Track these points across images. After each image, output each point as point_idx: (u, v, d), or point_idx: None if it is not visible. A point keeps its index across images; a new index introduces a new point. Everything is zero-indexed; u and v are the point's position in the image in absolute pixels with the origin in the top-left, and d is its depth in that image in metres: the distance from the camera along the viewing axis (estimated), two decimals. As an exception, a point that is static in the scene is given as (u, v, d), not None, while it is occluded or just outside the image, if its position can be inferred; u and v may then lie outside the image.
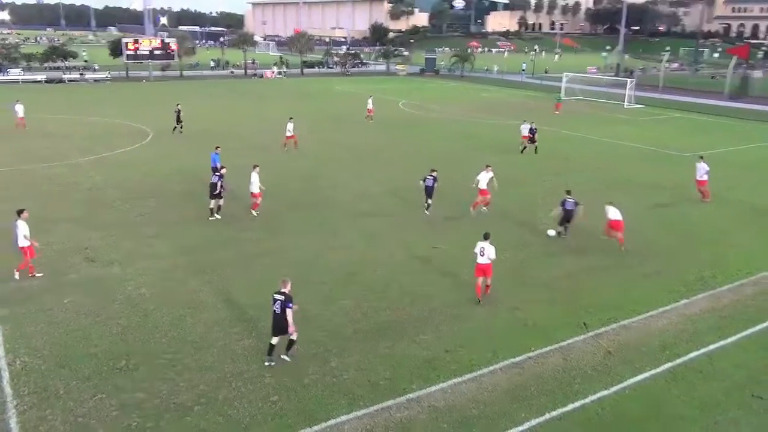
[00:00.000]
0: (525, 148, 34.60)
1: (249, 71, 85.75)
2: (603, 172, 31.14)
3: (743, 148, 39.06)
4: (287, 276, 13.47)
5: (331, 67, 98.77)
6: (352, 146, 35.85)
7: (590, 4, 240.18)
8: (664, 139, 40.99)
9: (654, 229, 22.18)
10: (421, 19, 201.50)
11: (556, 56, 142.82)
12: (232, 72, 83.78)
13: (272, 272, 17.47)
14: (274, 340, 12.90)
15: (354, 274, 17.49)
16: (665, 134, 43.49)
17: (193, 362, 13.01)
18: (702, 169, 26.10)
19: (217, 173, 22.26)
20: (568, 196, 20.75)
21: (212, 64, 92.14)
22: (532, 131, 34.95)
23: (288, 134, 33.67)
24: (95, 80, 72.22)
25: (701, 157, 26.96)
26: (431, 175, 22.71)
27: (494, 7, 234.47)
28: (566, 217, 20.68)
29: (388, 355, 13.43)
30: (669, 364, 13.35)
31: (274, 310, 12.78)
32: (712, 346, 14.14)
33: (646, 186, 28.45)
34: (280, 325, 12.78)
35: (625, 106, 58.10)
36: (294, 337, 12.96)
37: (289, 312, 12.63)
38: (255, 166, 22.58)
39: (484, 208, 23.27)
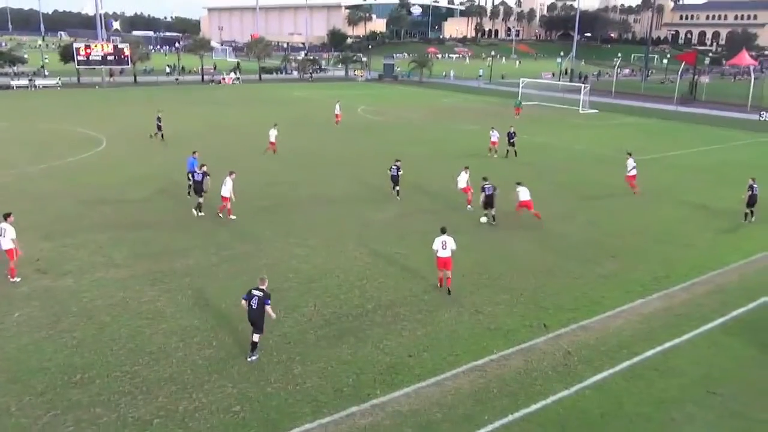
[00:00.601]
0: (497, 151, 35.65)
1: (206, 77, 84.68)
2: (562, 174, 31.73)
3: (693, 151, 40.33)
4: (258, 277, 13.77)
5: (290, 73, 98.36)
6: (313, 151, 35.71)
7: (545, 12, 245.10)
8: (618, 143, 41.97)
9: (609, 232, 22.68)
10: (379, 25, 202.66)
11: (517, 63, 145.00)
12: (177, 80, 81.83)
13: (234, 280, 17.28)
14: (256, 337, 13.27)
15: (316, 280, 17.40)
16: (619, 138, 44.55)
17: (151, 374, 12.74)
18: (630, 165, 28.22)
19: (201, 171, 23.06)
20: (486, 182, 22.76)
21: (168, 70, 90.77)
22: (510, 135, 35.93)
23: (271, 140, 33.94)
24: (45, 86, 70.30)
25: (629, 154, 28.93)
26: (395, 165, 25.63)
27: (451, 13, 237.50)
28: (488, 202, 22.64)
29: (351, 362, 13.39)
30: (627, 363, 13.65)
31: (251, 305, 13.11)
32: (667, 344, 14.52)
33: (602, 188, 29.08)
34: (253, 320, 13.16)
35: (580, 111, 59.39)
36: (257, 339, 13.29)
37: (268, 308, 13.14)
38: (231, 173, 22.75)
39: (469, 206, 24.60)
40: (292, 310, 15.63)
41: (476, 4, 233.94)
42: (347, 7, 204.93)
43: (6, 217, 17.06)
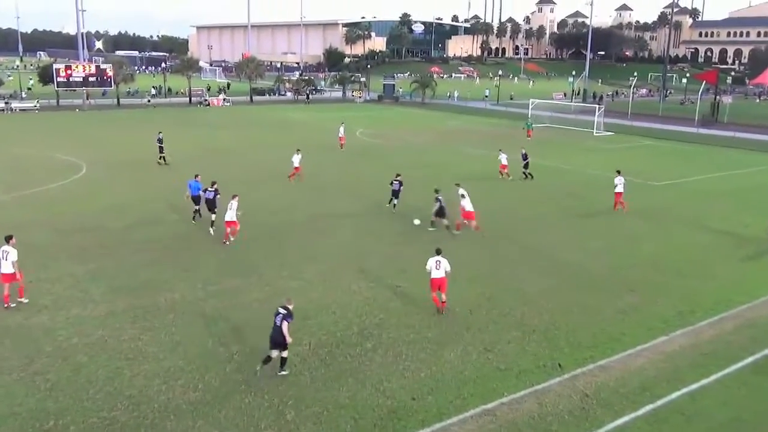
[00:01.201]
0: (509, 174, 36.58)
1: (194, 98, 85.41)
2: (573, 199, 31.76)
3: (715, 175, 40.44)
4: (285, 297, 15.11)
5: (283, 95, 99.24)
6: (310, 176, 35.76)
7: (555, 29, 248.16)
8: (635, 167, 42.10)
9: (626, 262, 22.62)
10: (378, 43, 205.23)
11: (531, 83, 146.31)
12: (148, 101, 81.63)
13: (222, 316, 17.17)
14: (273, 353, 14.05)
15: (311, 316, 17.29)
16: (636, 162, 44.69)
17: (131, 420, 12.57)
18: (617, 182, 29.86)
19: (212, 188, 25.08)
20: (437, 194, 25.49)
21: (153, 91, 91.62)
22: (524, 157, 37.10)
23: (295, 165, 34.63)
24: (22, 110, 70.86)
25: (618, 172, 30.43)
26: (397, 180, 28.35)
27: (455, 31, 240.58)
28: (440, 213, 25.18)
29: (349, 405, 13.23)
30: (650, 406, 13.47)
31: (275, 323, 14.04)
32: (693, 386, 14.34)
33: (617, 215, 29.08)
34: (277, 339, 13.98)
35: (594, 134, 59.73)
36: (285, 354, 14.14)
37: (284, 326, 13.86)
38: (234, 196, 23.69)
39: (459, 225, 25.78)
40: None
41: (482, 21, 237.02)
42: (344, 25, 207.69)
43: (8, 239, 17.64)
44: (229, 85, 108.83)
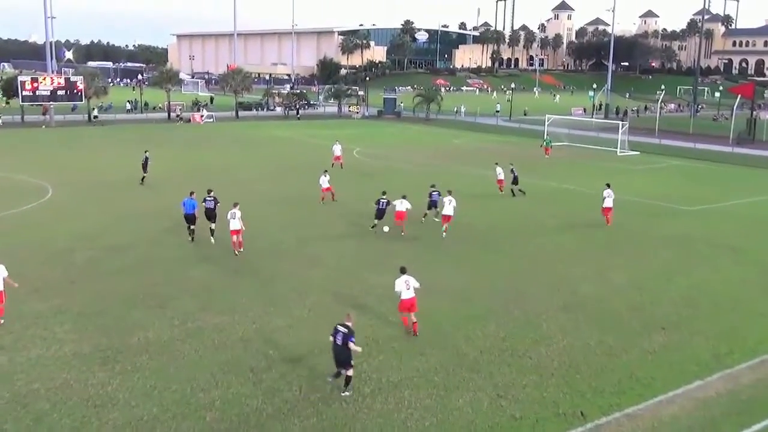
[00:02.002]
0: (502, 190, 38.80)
1: (173, 114, 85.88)
2: (595, 228, 31.79)
3: (754, 200, 40.48)
4: (345, 313, 17.16)
5: (272, 110, 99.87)
6: (302, 199, 35.85)
7: (573, 37, 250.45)
8: (665, 191, 42.22)
9: (655, 296, 22.55)
10: (378, 53, 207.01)
11: (556, 97, 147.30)
12: (96, 117, 79.91)
13: (202, 358, 17.06)
14: (350, 372, 15.32)
15: (302, 358, 17.17)
16: (665, 185, 44.84)
17: (98, 476, 12.41)
18: (608, 195, 32.15)
19: (210, 196, 27.51)
20: (383, 197, 29.40)
21: (128, 106, 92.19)
22: (513, 173, 38.70)
23: (324, 186, 35.69)
24: (-18, 126, 71.23)
25: (608, 185, 32.72)
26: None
27: (463, 40, 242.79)
28: (378, 216, 29.28)
29: (344, 460, 13.08)
30: (684, 460, 13.32)
31: (336, 342, 15.29)
32: (733, 437, 14.21)
33: (644, 243, 29.08)
34: (340, 358, 15.32)
35: (618, 154, 59.98)
36: (351, 373, 15.36)
37: (351, 345, 15.19)
38: (236, 204, 26.06)
39: (444, 233, 29.19)
40: (271, 395, 15.36)
41: (492, 29, 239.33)
42: (341, 33, 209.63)
43: None
44: (212, 99, 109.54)
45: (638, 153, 60.87)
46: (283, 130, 74.64)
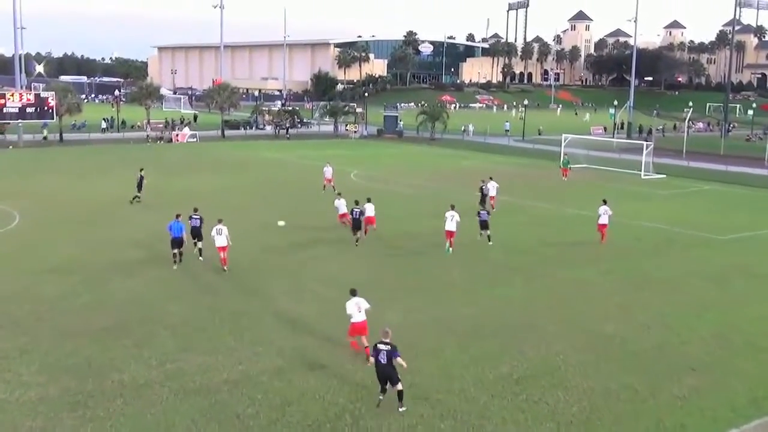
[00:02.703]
0: (494, 207, 41.20)
1: (153, 134, 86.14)
2: (617, 259, 31.77)
3: (793, 228, 40.46)
4: (381, 330, 18.09)
5: (262, 128, 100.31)
6: (293, 227, 35.86)
7: (591, 50, 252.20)
8: (694, 218, 42.23)
9: (684, 335, 22.46)
10: (378, 66, 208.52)
11: (587, 116, 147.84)
12: (44, 138, 79.73)
13: (183, 402, 16.95)
14: (399, 386, 16.50)
15: (292, 403, 17.08)
16: (695, 211, 44.87)
17: None
18: (603, 212, 34.33)
19: (196, 215, 29.53)
20: (356, 206, 33.00)
21: (104, 125, 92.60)
22: (482, 191, 41.95)
23: (341, 212, 36.22)
24: (-57, 146, 71.49)
25: (604, 201, 34.87)
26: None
27: (471, 52, 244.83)
28: (356, 226, 32.51)
29: None
30: None
31: (380, 360, 16.52)
32: (773, 492, 14.08)
33: (672, 276, 29.04)
34: (387, 376, 16.53)
35: (642, 177, 60.10)
36: (401, 387, 16.55)
37: (399, 360, 16.58)
38: (220, 220, 28.49)
39: (450, 249, 31.56)
40: (259, 444, 15.25)
41: (503, 40, 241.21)
42: (337, 45, 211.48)
43: None
44: (196, 116, 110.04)
45: (664, 176, 61.01)
46: (273, 151, 74.89)
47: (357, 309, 19.46)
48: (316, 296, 25.51)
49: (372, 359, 16.99)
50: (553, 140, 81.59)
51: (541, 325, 22.94)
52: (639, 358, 20.50)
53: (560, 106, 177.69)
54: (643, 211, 44.44)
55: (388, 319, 22.81)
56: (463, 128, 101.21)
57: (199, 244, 29.14)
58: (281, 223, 32.02)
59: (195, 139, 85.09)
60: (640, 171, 61.13)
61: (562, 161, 60.52)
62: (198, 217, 29.56)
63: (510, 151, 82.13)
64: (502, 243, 34.33)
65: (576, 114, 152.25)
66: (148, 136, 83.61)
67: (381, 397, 16.78)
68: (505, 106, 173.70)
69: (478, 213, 34.24)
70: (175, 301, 24.48)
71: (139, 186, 42.33)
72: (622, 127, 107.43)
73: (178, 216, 28.84)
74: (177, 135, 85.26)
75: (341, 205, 36.22)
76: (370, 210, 33.51)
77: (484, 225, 33.65)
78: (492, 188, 42.09)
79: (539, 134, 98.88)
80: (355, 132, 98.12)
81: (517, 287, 27.39)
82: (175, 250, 28.46)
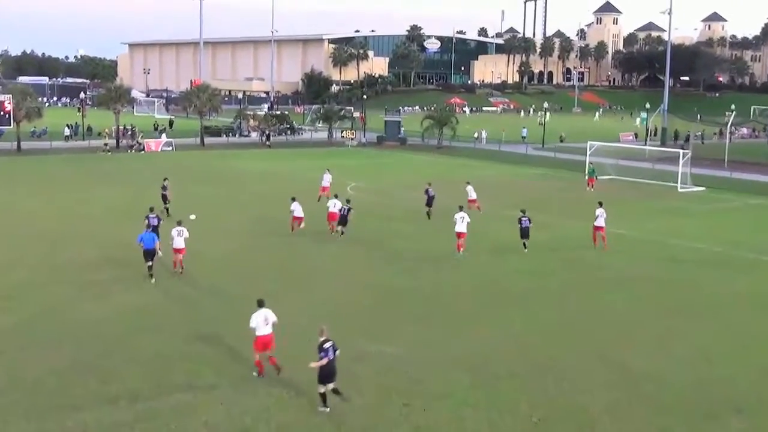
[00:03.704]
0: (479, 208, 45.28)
1: (124, 142, 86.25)
2: (650, 282, 31.71)
3: None
4: (319, 329, 18.99)
5: (246, 135, 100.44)
6: (280, 251, 35.88)
7: (620, 46, 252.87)
8: (737, 236, 42.17)
9: (727, 370, 22.41)
10: (378, 65, 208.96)
11: (640, 121, 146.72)
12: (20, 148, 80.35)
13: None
14: (326, 388, 18.32)
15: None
16: (738, 229, 44.84)
17: None
18: (600, 214, 37.32)
19: (153, 215, 32.83)
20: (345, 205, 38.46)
21: (67, 131, 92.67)
22: (428, 193, 45.14)
23: (331, 211, 39.45)
24: None
25: (600, 203, 37.97)
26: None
27: (484, 49, 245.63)
28: (341, 221, 38.15)
29: None
30: None
31: (329, 357, 18.36)
32: None
33: (719, 307, 28.98)
34: (334, 371, 18.50)
35: (679, 189, 60.08)
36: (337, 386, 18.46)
37: (337, 354, 18.65)
38: (179, 222, 31.15)
39: (459, 252, 34.75)
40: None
41: (520, 36, 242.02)
42: (332, 41, 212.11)
43: None
44: (171, 122, 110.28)
45: (704, 189, 61.01)
46: (259, 162, 74.89)
47: (264, 321, 20.49)
48: (311, 325, 25.35)
49: (324, 360, 18.38)
50: (576, 148, 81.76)
51: (563, 359, 22.87)
52: (676, 397, 20.39)
53: (600, 110, 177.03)
54: (680, 228, 44.38)
55: (391, 353, 22.80)
56: (476, 135, 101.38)
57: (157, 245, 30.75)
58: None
59: (170, 148, 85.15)
60: (676, 183, 61.09)
61: (588, 170, 60.95)
62: (155, 216, 33.12)
63: (528, 160, 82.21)
64: (518, 265, 34.33)
65: (640, 121, 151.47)
66: (105, 144, 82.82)
67: (325, 409, 18.46)
68: (522, 112, 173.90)
69: (519, 220, 36.37)
70: (146, 330, 24.39)
71: (164, 198, 43.62)
72: (655, 134, 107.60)
73: (148, 227, 31.27)
74: (151, 143, 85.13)
75: (332, 205, 39.64)
76: (334, 207, 38.72)
77: (525, 233, 36.13)
78: (470, 191, 46.39)
79: (561, 141, 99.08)
80: (352, 139, 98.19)
81: (536, 316, 27.30)
82: (149, 263, 29.80)
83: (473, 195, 46.27)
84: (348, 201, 39.30)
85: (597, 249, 37.14)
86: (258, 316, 20.59)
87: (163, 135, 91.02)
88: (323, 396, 18.45)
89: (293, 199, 40.03)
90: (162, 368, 21.49)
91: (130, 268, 31.01)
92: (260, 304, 20.91)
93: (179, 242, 30.46)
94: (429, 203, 44.87)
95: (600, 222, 37.37)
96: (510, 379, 21.21)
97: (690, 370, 22.32)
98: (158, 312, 26.54)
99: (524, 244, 36.38)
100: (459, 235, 35.01)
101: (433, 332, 25.03)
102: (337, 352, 18.64)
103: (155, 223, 32.40)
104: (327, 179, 49.96)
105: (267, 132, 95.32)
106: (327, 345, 18.53)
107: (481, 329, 25.57)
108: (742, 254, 37.89)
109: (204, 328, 24.90)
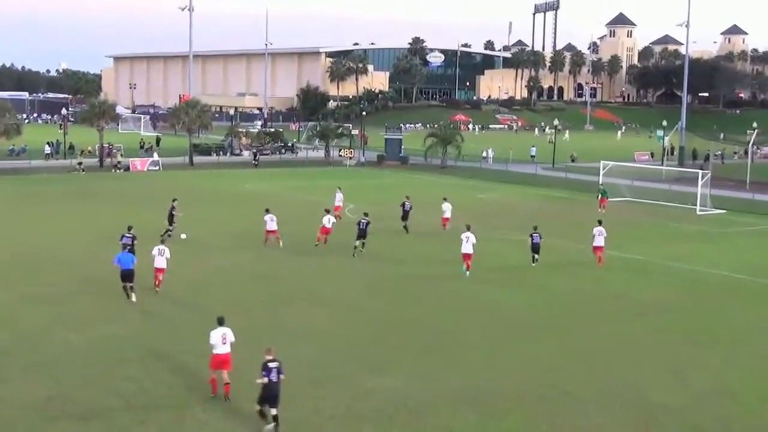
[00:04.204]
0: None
1: (108, 161, 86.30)
2: (679, 316, 31.58)
3: None
4: (265, 349, 19.51)
5: (238, 154, 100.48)
6: (268, 279, 35.80)
7: (635, 60, 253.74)
8: (761, 262, 42.07)
9: (759, 405, 22.29)
10: (378, 80, 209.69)
11: (619, 133, 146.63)
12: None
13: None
14: (273, 411, 18.82)
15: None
16: (761, 254, 44.71)
17: None
18: (599, 234, 39.14)
19: (129, 234, 34.15)
20: (364, 217, 40.98)
21: (47, 150, 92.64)
22: (404, 207, 48.01)
23: (325, 226, 42.23)
24: None
25: (600, 222, 40.28)
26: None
27: (490, 63, 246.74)
28: (359, 236, 40.41)
29: None
30: None
31: (271, 379, 18.90)
32: None
33: (744, 337, 28.85)
34: (276, 394, 18.98)
35: (698, 212, 60.02)
36: (277, 412, 18.94)
37: (281, 378, 19.11)
38: (163, 241, 33.69)
39: (467, 272, 36.11)
40: None
41: (528, 49, 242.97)
42: (329, 55, 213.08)
43: None
44: (159, 140, 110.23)
45: (724, 212, 60.96)
46: (254, 182, 74.79)
47: (222, 340, 21.17)
48: (308, 355, 25.24)
49: (265, 379, 19.00)
50: (588, 168, 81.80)
51: (576, 392, 22.72)
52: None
53: (623, 128, 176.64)
54: (699, 253, 44.27)
55: (390, 386, 22.67)
56: (483, 154, 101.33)
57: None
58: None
59: (157, 168, 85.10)
60: (695, 205, 61.05)
61: (600, 191, 61.56)
62: (131, 236, 34.14)
63: (537, 180, 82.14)
64: (528, 292, 34.21)
65: (619, 136, 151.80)
66: (80, 163, 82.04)
67: (271, 426, 18.88)
68: (537, 130, 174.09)
69: (531, 236, 38.60)
70: (128, 362, 24.19)
71: (171, 219, 43.63)
72: (672, 153, 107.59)
73: (125, 247, 32.38)
74: (136, 162, 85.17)
75: (326, 221, 42.14)
76: (328, 222, 41.95)
77: (535, 248, 38.37)
78: (447, 210, 49.17)
79: (572, 161, 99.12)
80: (350, 158, 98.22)
81: (547, 346, 27.12)
82: (126, 284, 30.69)
83: (448, 214, 48.90)
84: (366, 214, 41.30)
85: (603, 269, 38.57)
86: (216, 334, 21.28)
87: (155, 154, 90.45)
88: (261, 413, 19.12)
89: (267, 211, 42.23)
90: (146, 405, 21.27)
91: (109, 294, 31.10)
92: (220, 322, 21.56)
93: (160, 261, 31.69)
94: (405, 217, 47.77)
95: (599, 242, 39.23)
96: (519, 413, 21.07)
97: (712, 405, 22.17)
98: (140, 341, 26.36)
99: (534, 258, 38.45)
100: (465, 257, 36.31)
101: (435, 363, 24.88)
102: (282, 376, 19.10)
103: (129, 241, 33.55)
104: (339, 198, 53.12)
105: (255, 151, 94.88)
106: (271, 365, 19.09)
107: (486, 360, 25.43)
108: (765, 281, 37.75)
109: (190, 361, 24.76)
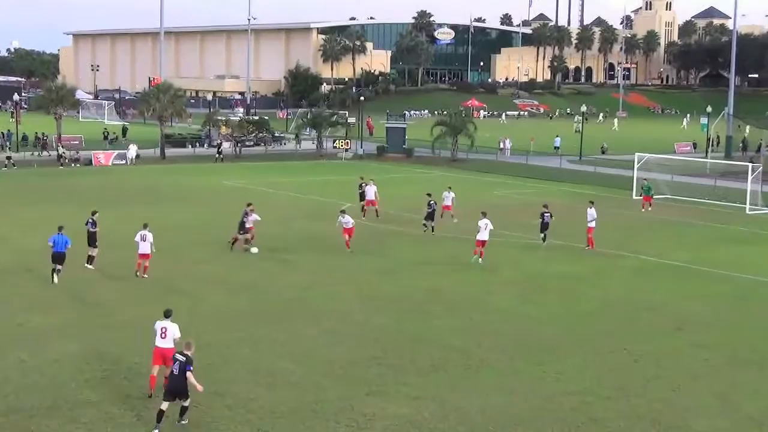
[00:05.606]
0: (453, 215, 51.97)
1: (67, 154, 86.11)
2: (724, 332, 31.54)
3: None
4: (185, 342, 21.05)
5: (217, 145, 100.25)
6: (257, 290, 35.86)
7: (674, 36, 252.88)
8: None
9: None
10: (378, 60, 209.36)
11: (684, 121, 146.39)
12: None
13: None
14: (164, 406, 20.01)
15: None
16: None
17: None
18: (590, 216, 44.23)
19: (93, 218, 36.98)
20: (431, 200, 47.74)
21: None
22: (430, 205, 48.96)
23: (347, 226, 43.51)
24: None
25: (591, 202, 45.06)
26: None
27: (507, 40, 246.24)
28: (429, 216, 47.81)
29: None
30: None
31: (172, 371, 20.25)
32: None
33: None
34: (176, 388, 20.19)
35: (747, 211, 59.96)
36: (187, 404, 20.41)
37: (189, 375, 20.11)
38: (146, 225, 35.26)
39: (480, 259, 39.35)
40: None
41: (552, 24, 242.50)
42: (322, 31, 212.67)
43: None
44: (125, 129, 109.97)
45: (778, 210, 60.95)
46: (236, 177, 74.61)
47: (162, 334, 22.75)
48: (296, 376, 25.30)
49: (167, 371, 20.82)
50: (621, 161, 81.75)
51: (605, 418, 22.74)
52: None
53: (687, 116, 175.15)
54: (749, 258, 44.25)
55: (392, 411, 22.72)
56: (500, 144, 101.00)
57: (94, 252, 36.82)
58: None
59: (124, 161, 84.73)
60: (744, 203, 61.03)
61: (643, 188, 61.02)
62: (93, 220, 37.19)
63: (562, 175, 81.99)
64: (550, 302, 34.24)
65: (685, 125, 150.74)
66: (61, 156, 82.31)
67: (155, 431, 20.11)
68: (577, 117, 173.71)
69: (542, 214, 44.31)
70: (92, 383, 24.24)
71: (241, 226, 42.34)
72: (718, 143, 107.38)
73: (60, 228, 34.50)
74: (99, 155, 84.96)
75: (349, 222, 43.52)
76: (348, 223, 43.11)
77: (545, 227, 44.19)
78: (447, 197, 52.78)
79: (602, 153, 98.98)
80: (346, 150, 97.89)
81: (571, 365, 27.17)
82: (56, 266, 34.05)
83: (449, 201, 52.68)
84: (429, 195, 48.89)
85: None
86: (156, 326, 23.03)
87: (132, 146, 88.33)
88: (159, 413, 20.19)
89: (248, 205, 43.39)
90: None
91: (71, 311, 31.31)
92: (166, 314, 23.25)
93: (144, 247, 34.88)
94: (430, 216, 48.95)
95: (591, 224, 44.68)
96: (541, 443, 21.15)
97: (762, 433, 22.25)
98: (105, 359, 26.42)
99: (543, 237, 44.34)
100: (480, 243, 39.84)
101: (442, 386, 24.91)
102: (188, 373, 20.12)
103: (93, 228, 37.00)
104: (372, 191, 54.80)
105: (217, 143, 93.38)
106: (178, 357, 20.49)
107: (501, 381, 25.46)
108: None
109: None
